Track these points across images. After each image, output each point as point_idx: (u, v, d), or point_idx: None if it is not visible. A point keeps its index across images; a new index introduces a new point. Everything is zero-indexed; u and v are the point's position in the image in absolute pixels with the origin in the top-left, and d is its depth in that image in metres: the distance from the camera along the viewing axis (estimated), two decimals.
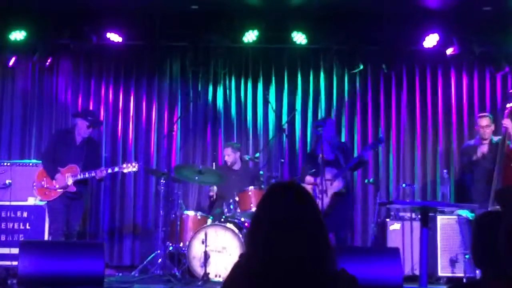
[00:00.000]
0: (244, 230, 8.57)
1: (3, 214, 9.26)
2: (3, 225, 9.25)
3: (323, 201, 8.14)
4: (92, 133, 9.10)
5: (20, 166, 9.52)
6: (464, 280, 8.56)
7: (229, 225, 8.54)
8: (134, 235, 10.48)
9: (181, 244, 8.70)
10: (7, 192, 9.25)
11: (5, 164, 9.57)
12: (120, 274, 9.01)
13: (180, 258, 8.76)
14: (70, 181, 8.62)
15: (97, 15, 10.00)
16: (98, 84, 10.69)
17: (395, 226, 9.46)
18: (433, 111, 10.76)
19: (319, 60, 10.77)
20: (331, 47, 10.53)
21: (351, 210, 9.06)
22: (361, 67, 10.54)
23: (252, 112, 10.76)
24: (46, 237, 9.02)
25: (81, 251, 7.53)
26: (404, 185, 10.28)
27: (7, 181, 9.24)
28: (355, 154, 9.58)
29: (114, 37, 10.14)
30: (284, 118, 10.53)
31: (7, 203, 9.19)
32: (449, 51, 10.18)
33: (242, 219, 8.76)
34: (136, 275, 8.83)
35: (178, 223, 8.78)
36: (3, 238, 9.20)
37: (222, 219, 8.81)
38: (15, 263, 7.60)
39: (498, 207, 2.52)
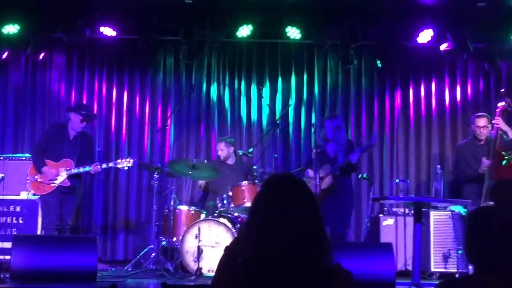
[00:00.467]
0: (238, 225, 8.58)
1: None
2: None
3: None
4: (86, 127, 9.08)
5: (13, 160, 9.49)
6: (457, 275, 8.58)
7: (222, 220, 8.54)
8: (127, 230, 10.47)
9: (174, 239, 8.70)
10: (0, 186, 9.22)
11: None
12: (113, 269, 9.01)
13: (173, 253, 8.76)
14: (64, 175, 8.61)
15: (90, 9, 9.96)
16: (91, 78, 10.66)
17: (388, 221, 9.47)
18: (427, 107, 10.77)
19: (313, 55, 10.77)
20: (325, 42, 10.52)
21: (347, 208, 8.97)
22: (355, 62, 10.53)
23: (246, 107, 10.75)
24: (39, 232, 9.00)
25: (74, 245, 7.52)
26: (397, 180, 10.29)
27: (0, 175, 9.20)
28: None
29: (108, 31, 10.09)
30: (278, 113, 10.53)
31: (0, 197, 9.16)
32: (443, 46, 10.17)
33: (236, 214, 8.75)
34: (129, 269, 8.82)
35: (171, 217, 8.77)
36: None
37: (216, 214, 8.80)
38: (8, 257, 7.59)
39: (490, 203, 2.51)
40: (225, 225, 8.41)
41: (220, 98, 10.74)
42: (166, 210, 8.94)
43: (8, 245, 7.64)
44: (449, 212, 9.03)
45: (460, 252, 8.65)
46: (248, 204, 8.54)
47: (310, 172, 8.84)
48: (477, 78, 10.75)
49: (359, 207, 10.52)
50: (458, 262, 8.74)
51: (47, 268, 7.14)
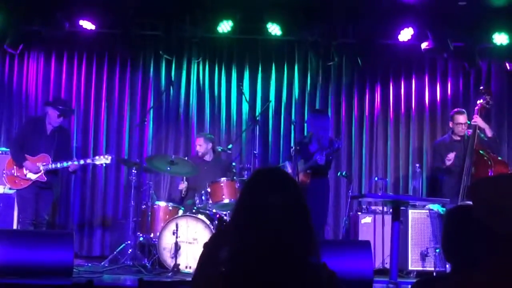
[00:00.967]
0: (215, 222, 8.55)
1: None
2: None
3: None
4: (63, 122, 9.01)
5: None
6: (434, 274, 8.60)
7: (200, 216, 8.51)
8: (104, 225, 10.41)
9: (152, 235, 8.65)
10: None
11: None
12: (90, 264, 8.93)
13: (150, 249, 8.72)
14: (41, 171, 8.55)
15: (69, 1, 9.88)
16: (69, 72, 10.57)
17: (366, 219, 9.48)
18: (406, 105, 10.80)
19: (294, 52, 10.75)
20: (306, 39, 10.51)
21: (321, 207, 8.85)
22: (336, 59, 10.52)
23: (226, 103, 10.71)
24: (14, 226, 8.94)
25: (50, 240, 7.48)
26: (376, 178, 10.31)
27: None
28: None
29: (87, 24, 10.00)
30: (258, 109, 10.51)
31: None
32: (424, 45, 10.18)
33: (214, 211, 8.72)
34: (106, 265, 8.76)
35: (149, 213, 8.72)
36: None
37: (194, 210, 8.77)
38: None
39: (468, 202, 2.50)
40: (203, 221, 8.38)
41: (199, 94, 10.70)
42: (144, 206, 8.89)
43: None
44: (427, 211, 9.06)
45: (438, 250, 8.68)
46: (226, 200, 8.53)
47: (288, 166, 8.82)
48: (457, 77, 10.78)
49: (338, 204, 10.52)
50: (436, 261, 8.78)
51: (23, 263, 7.10)
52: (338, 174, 9.99)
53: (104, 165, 9.05)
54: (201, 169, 9.13)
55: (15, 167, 8.62)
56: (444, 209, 8.67)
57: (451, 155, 8.71)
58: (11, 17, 9.93)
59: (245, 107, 10.58)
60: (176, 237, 8.18)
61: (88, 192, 10.43)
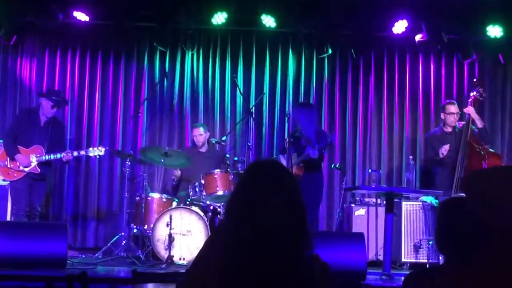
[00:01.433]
0: (209, 213, 8.55)
1: None
2: None
3: None
4: (57, 113, 9.00)
5: None
6: (427, 265, 8.63)
7: (194, 208, 8.52)
8: (98, 217, 10.40)
9: (146, 227, 8.66)
10: None
11: None
12: (83, 256, 8.94)
13: (144, 241, 8.72)
14: (34, 162, 8.54)
15: None
16: (63, 64, 10.54)
17: (360, 211, 9.50)
18: (400, 97, 10.80)
19: (288, 43, 10.74)
20: (300, 31, 10.50)
21: (314, 201, 8.85)
22: (330, 52, 10.52)
23: (220, 94, 10.70)
24: (8, 218, 8.93)
25: (44, 232, 7.49)
26: (370, 170, 10.33)
27: None
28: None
29: (81, 16, 9.96)
30: (252, 101, 10.50)
31: None
32: (418, 37, 10.18)
33: (208, 202, 8.73)
34: (100, 257, 8.76)
35: (143, 205, 8.72)
36: None
37: (188, 202, 8.78)
38: None
39: (461, 194, 2.51)
40: (197, 213, 8.38)
41: (193, 85, 10.69)
42: (138, 198, 8.88)
43: None
44: (421, 203, 9.08)
45: (431, 242, 8.70)
46: (220, 192, 8.54)
47: (282, 159, 8.83)
48: (450, 69, 10.79)
49: (332, 197, 10.54)
50: (429, 253, 8.80)
51: (16, 255, 7.11)
52: (332, 166, 10.00)
53: (98, 156, 9.06)
54: (195, 160, 9.13)
55: (8, 159, 8.61)
56: (437, 201, 8.69)
57: (446, 147, 8.72)
58: (5, 8, 9.89)
59: (239, 99, 10.57)
60: (170, 229, 8.18)
61: (82, 183, 10.42)
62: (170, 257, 8.09)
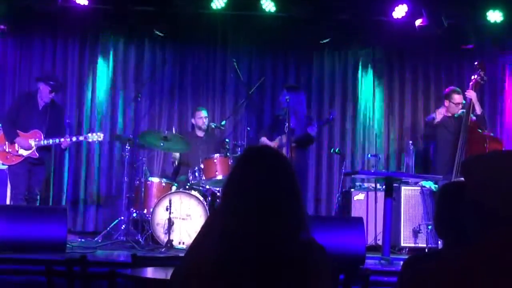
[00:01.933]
0: (209, 198, 8.57)
1: None
2: None
3: None
4: (56, 97, 8.98)
5: None
6: (426, 250, 8.65)
7: (193, 192, 8.53)
8: (98, 201, 10.41)
9: (145, 211, 8.67)
10: None
11: None
12: (83, 240, 8.96)
13: (143, 225, 8.74)
14: (33, 146, 8.54)
15: None
16: (63, 48, 10.52)
17: (359, 196, 9.51)
18: (400, 82, 10.79)
19: (288, 28, 10.69)
20: (300, 16, 10.46)
21: (301, 178, 8.89)
22: (330, 36, 10.49)
23: (220, 79, 10.69)
24: (8, 202, 8.93)
25: (44, 216, 7.50)
26: (369, 155, 10.33)
27: None
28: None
29: (80, 0, 9.92)
30: (252, 86, 10.48)
31: None
32: (418, 22, 10.15)
33: (207, 187, 8.74)
34: (99, 241, 8.78)
35: (143, 189, 8.73)
36: None
37: (187, 187, 8.79)
38: None
39: (461, 178, 2.50)
40: (196, 197, 8.40)
41: (193, 70, 10.67)
42: (137, 182, 8.90)
43: None
44: (420, 188, 9.09)
45: (430, 227, 8.72)
46: (220, 177, 8.53)
47: (265, 141, 8.88)
48: (450, 54, 10.77)
49: (331, 181, 10.56)
50: (428, 237, 8.82)
51: (16, 238, 7.13)
52: (331, 151, 10.01)
53: (97, 141, 9.07)
54: (194, 145, 9.13)
55: (6, 143, 8.60)
56: (436, 186, 8.70)
57: (440, 111, 8.71)
58: None
59: (239, 83, 10.55)
60: (170, 213, 8.20)
61: (81, 167, 10.42)
62: (170, 241, 8.11)
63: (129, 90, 10.52)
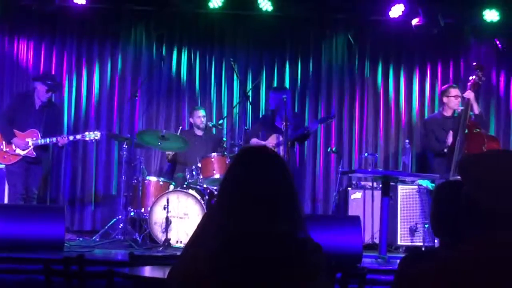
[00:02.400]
0: (206, 197, 8.58)
1: None
2: None
3: None
4: (53, 97, 8.98)
5: None
6: (423, 249, 8.66)
7: (191, 191, 8.54)
8: (95, 200, 10.41)
9: (143, 210, 8.67)
10: None
11: None
12: (81, 239, 8.96)
13: (141, 224, 8.75)
14: (30, 146, 8.54)
15: None
16: (60, 48, 10.51)
17: (356, 194, 9.53)
18: (396, 81, 10.81)
19: (285, 28, 10.71)
20: (297, 15, 10.48)
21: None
22: (327, 36, 10.51)
23: (217, 78, 10.70)
24: (5, 201, 8.94)
25: (42, 214, 7.50)
26: (366, 154, 10.35)
27: None
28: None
29: None
30: (249, 85, 10.49)
31: None
32: (415, 21, 10.16)
33: (205, 186, 8.75)
34: (97, 240, 8.78)
35: (140, 188, 8.74)
36: None
37: (185, 185, 8.80)
38: None
39: (458, 177, 2.52)
40: (194, 196, 8.41)
41: (191, 69, 10.68)
42: (135, 181, 8.90)
43: None
44: (417, 187, 9.10)
45: (426, 226, 8.73)
46: (217, 176, 8.55)
47: (258, 141, 8.91)
48: (447, 53, 10.79)
49: (328, 180, 10.57)
50: (425, 236, 8.83)
51: (14, 237, 7.13)
52: (328, 149, 10.03)
53: (94, 140, 9.07)
54: (192, 144, 9.14)
55: (3, 142, 8.60)
56: (433, 185, 8.71)
57: (450, 137, 8.65)
58: None
59: (236, 82, 10.57)
60: (167, 212, 8.20)
61: (79, 167, 10.42)
62: (167, 240, 8.11)
63: (126, 89, 10.52)
